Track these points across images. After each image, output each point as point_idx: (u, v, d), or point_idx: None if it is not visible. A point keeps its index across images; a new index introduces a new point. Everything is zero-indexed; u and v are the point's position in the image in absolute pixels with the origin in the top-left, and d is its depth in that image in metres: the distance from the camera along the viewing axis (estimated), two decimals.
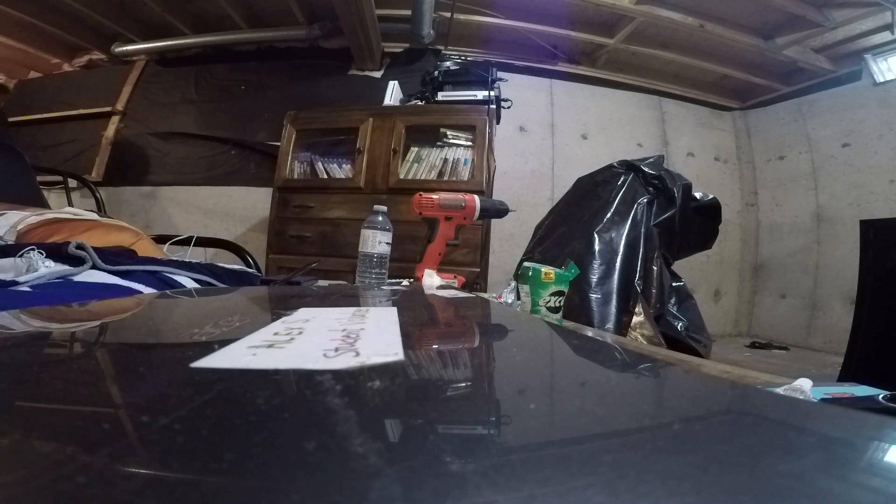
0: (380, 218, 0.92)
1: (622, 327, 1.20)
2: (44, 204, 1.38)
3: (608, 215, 1.35)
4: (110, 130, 2.83)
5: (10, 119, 2.95)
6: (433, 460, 0.10)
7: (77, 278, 0.57)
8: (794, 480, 0.10)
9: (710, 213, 1.53)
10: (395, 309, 0.37)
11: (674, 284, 1.46)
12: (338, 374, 0.15)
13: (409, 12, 2.35)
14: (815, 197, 2.69)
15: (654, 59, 2.82)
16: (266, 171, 2.47)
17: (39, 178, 1.55)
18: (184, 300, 0.47)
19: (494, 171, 2.12)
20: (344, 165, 2.07)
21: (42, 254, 0.57)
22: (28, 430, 0.11)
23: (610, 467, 0.10)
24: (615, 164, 1.51)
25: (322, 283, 0.96)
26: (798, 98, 2.83)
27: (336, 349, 0.19)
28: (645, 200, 1.38)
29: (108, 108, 2.84)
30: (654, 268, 1.31)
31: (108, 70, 3.05)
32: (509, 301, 0.76)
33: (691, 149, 2.94)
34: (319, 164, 2.10)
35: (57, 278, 0.54)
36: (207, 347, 0.18)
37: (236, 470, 0.09)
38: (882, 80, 2.47)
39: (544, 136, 2.79)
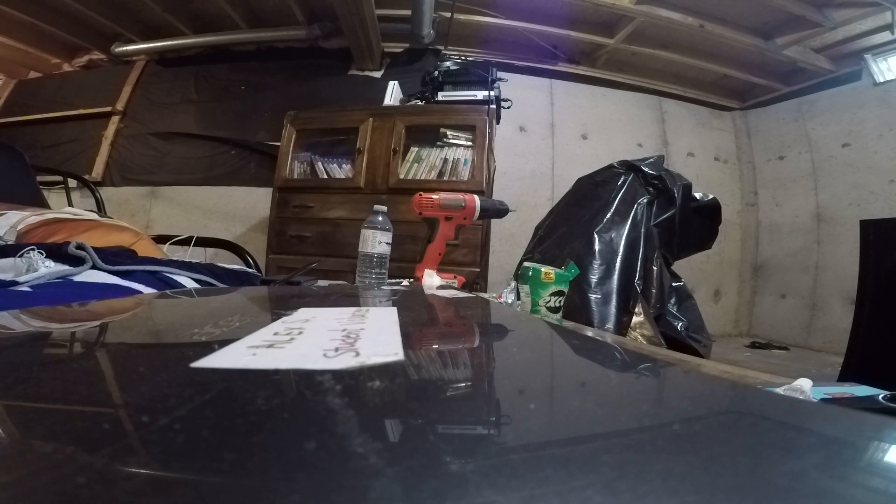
0: (380, 218, 0.92)
1: (622, 327, 1.20)
2: (44, 204, 1.38)
3: (608, 215, 1.35)
4: (110, 130, 2.83)
5: (11, 119, 2.95)
6: (433, 460, 0.10)
7: (77, 278, 0.57)
8: (794, 480, 0.10)
9: (709, 214, 1.53)
10: (395, 309, 0.37)
11: (674, 284, 1.46)
12: (338, 374, 0.15)
13: (409, 12, 2.35)
14: (815, 197, 2.69)
15: (654, 59, 2.82)
16: (266, 171, 2.47)
17: (39, 178, 1.54)
18: (184, 300, 0.47)
19: (494, 171, 2.12)
20: (344, 165, 2.07)
21: (42, 254, 0.57)
22: (28, 430, 0.11)
23: (610, 467, 0.10)
24: (615, 165, 1.51)
25: (322, 283, 0.96)
26: (798, 98, 2.83)
27: (336, 349, 0.19)
28: (645, 200, 1.39)
29: (108, 108, 2.84)
30: (654, 268, 1.31)
31: (108, 70, 3.05)
32: (509, 301, 0.76)
33: (691, 149, 2.94)
34: (319, 164, 2.10)
35: (57, 278, 0.54)
36: (207, 347, 0.18)
37: (236, 470, 0.09)
38: (882, 80, 2.47)
39: (544, 136, 2.79)
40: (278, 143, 2.14)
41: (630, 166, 1.47)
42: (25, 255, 0.55)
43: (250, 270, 1.10)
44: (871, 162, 2.45)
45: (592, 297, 1.22)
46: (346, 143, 2.08)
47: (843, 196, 2.56)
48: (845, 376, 1.35)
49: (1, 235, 0.81)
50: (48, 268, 0.55)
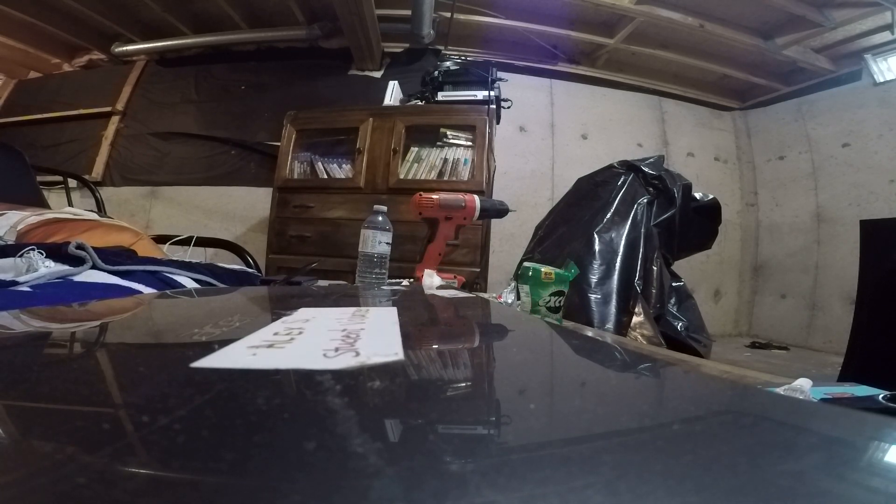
0: (380, 218, 0.92)
1: (622, 327, 1.20)
2: (44, 204, 1.38)
3: (608, 215, 1.35)
4: (110, 130, 2.83)
5: (11, 119, 2.95)
6: (433, 460, 0.10)
7: (77, 278, 0.57)
8: (794, 480, 0.10)
9: (709, 214, 1.53)
10: (395, 309, 0.37)
11: (674, 284, 1.46)
12: (338, 374, 0.15)
13: (409, 12, 2.35)
14: (815, 197, 2.69)
15: (654, 59, 2.82)
16: (266, 171, 2.47)
17: (39, 178, 1.54)
18: (184, 300, 0.47)
19: (494, 171, 2.12)
20: (344, 165, 2.07)
21: (42, 254, 0.57)
22: (28, 430, 0.11)
23: (610, 467, 0.10)
24: (615, 165, 1.51)
25: (322, 283, 0.96)
26: (798, 98, 2.83)
27: (336, 349, 0.19)
28: (645, 200, 1.38)
29: (108, 108, 2.84)
30: (654, 268, 1.31)
31: (108, 70, 3.05)
32: (509, 301, 0.76)
33: (691, 149, 2.94)
34: (319, 164, 2.10)
35: (57, 278, 0.54)
36: (207, 347, 0.18)
37: (236, 470, 0.09)
38: (882, 80, 2.47)
39: (544, 136, 2.79)
40: (278, 143, 2.14)
41: (630, 166, 1.46)
42: (25, 255, 0.55)
43: (250, 270, 1.10)
44: (871, 162, 2.45)
45: (592, 297, 1.22)
46: (346, 143, 2.08)
47: (843, 196, 2.56)
48: (845, 376, 1.35)
49: (1, 235, 0.81)
50: (48, 268, 0.55)
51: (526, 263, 0.80)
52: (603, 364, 0.27)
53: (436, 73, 2.18)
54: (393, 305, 0.46)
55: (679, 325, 1.39)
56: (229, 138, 2.69)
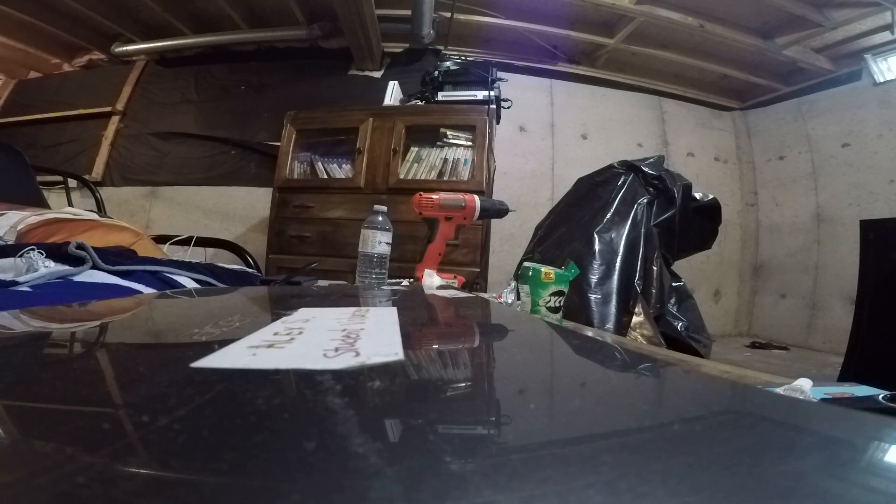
0: (380, 218, 0.92)
1: (622, 327, 1.20)
2: (44, 204, 1.38)
3: (608, 215, 1.35)
4: (110, 130, 2.83)
5: (11, 119, 2.95)
6: (433, 460, 0.10)
7: (77, 278, 0.57)
8: (794, 480, 0.10)
9: (709, 214, 1.53)
10: (395, 309, 0.37)
11: (674, 284, 1.46)
12: (338, 374, 0.15)
13: (409, 12, 2.35)
14: (815, 197, 2.69)
15: (654, 59, 2.82)
16: (266, 171, 2.47)
17: (39, 178, 1.55)
18: (184, 300, 0.47)
19: (494, 171, 2.12)
20: (344, 165, 2.07)
21: (42, 254, 0.57)
22: (28, 430, 0.11)
23: (610, 467, 0.10)
24: (615, 165, 1.51)
25: (322, 283, 0.96)
26: (798, 98, 2.83)
27: (336, 349, 0.19)
28: (645, 201, 1.38)
29: (108, 108, 2.84)
30: (654, 268, 1.31)
31: (108, 70, 3.05)
32: (509, 301, 0.76)
33: (691, 149, 2.94)
34: (319, 164, 2.10)
35: (57, 278, 0.54)
36: (207, 347, 0.18)
37: (236, 470, 0.09)
38: (882, 80, 2.47)
39: (544, 136, 2.79)
40: (278, 143, 2.14)
41: (630, 166, 1.47)
42: (25, 255, 0.55)
43: (250, 270, 1.10)
44: (871, 162, 2.45)
45: (592, 297, 1.22)
46: (346, 143, 2.08)
47: (843, 196, 2.56)
48: (845, 376, 1.35)
49: (1, 235, 0.81)
50: (48, 268, 0.55)
51: (526, 263, 0.80)
52: (603, 364, 0.27)
53: (436, 73, 2.18)
54: (393, 305, 0.46)
55: (679, 325, 1.39)
56: (229, 138, 2.69)
